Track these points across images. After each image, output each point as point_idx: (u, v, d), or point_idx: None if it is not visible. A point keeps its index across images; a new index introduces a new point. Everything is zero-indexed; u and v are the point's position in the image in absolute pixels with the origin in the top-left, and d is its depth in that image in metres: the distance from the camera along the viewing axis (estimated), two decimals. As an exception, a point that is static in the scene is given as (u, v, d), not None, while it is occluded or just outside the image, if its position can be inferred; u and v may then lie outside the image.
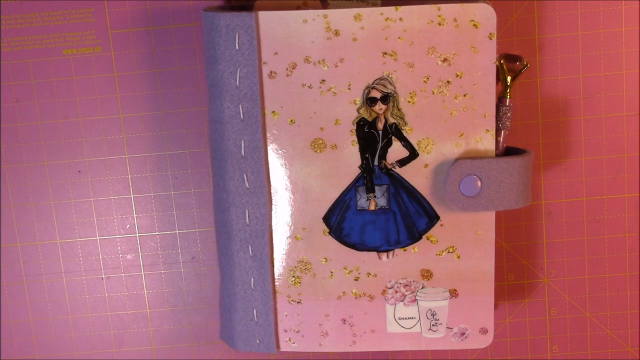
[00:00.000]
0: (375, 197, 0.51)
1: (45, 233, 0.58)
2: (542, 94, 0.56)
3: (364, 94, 0.50)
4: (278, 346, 0.54)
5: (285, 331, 0.53)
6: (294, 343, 0.54)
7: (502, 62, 0.51)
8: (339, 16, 0.48)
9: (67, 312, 0.59)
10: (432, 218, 0.51)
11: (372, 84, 0.49)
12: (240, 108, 0.50)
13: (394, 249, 0.52)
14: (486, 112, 0.50)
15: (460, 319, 0.53)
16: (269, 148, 0.50)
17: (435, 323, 0.53)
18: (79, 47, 0.55)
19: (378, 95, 0.50)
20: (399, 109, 0.50)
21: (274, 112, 0.50)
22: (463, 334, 0.53)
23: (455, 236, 0.52)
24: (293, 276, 0.52)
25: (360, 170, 0.51)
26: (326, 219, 0.51)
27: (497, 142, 0.51)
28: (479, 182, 0.50)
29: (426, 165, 0.51)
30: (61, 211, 0.57)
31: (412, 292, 0.53)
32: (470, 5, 0.48)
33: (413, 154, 0.50)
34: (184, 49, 0.55)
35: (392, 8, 0.48)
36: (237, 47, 0.49)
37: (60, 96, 0.56)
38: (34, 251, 0.58)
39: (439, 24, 0.48)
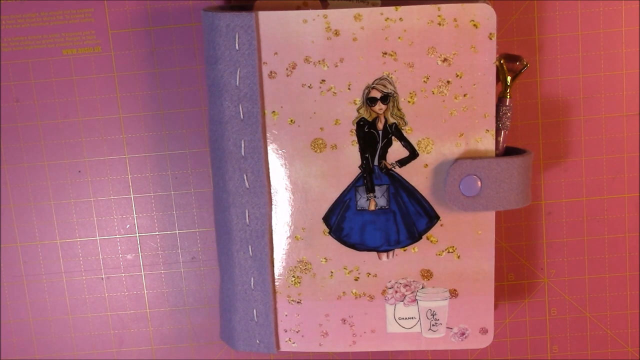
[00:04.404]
0: (375, 197, 0.51)
1: (45, 233, 0.58)
2: (542, 94, 0.56)
3: (364, 94, 0.50)
4: (278, 346, 0.54)
5: (285, 331, 0.53)
6: (294, 343, 0.54)
7: (502, 62, 0.51)
8: (339, 16, 0.48)
9: (67, 312, 0.59)
10: (432, 218, 0.51)
11: (372, 84, 0.49)
12: (240, 108, 0.50)
13: (394, 249, 0.52)
14: (486, 112, 0.50)
15: (460, 319, 0.53)
16: (269, 148, 0.50)
17: (435, 323, 0.53)
18: (79, 47, 0.55)
19: (378, 95, 0.50)
20: (399, 109, 0.50)
21: (274, 112, 0.50)
22: (463, 334, 0.53)
23: (455, 236, 0.52)
24: (293, 276, 0.52)
25: (360, 170, 0.51)
26: (326, 219, 0.51)
27: (497, 142, 0.51)
28: (479, 182, 0.50)
29: (426, 165, 0.51)
30: (61, 211, 0.57)
31: (412, 292, 0.53)
32: (470, 5, 0.48)
33: (413, 154, 0.50)
34: (184, 49, 0.55)
35: (392, 8, 0.48)
36: (237, 47, 0.49)
37: (60, 96, 0.56)
38: (34, 251, 0.58)
39: (439, 24, 0.48)
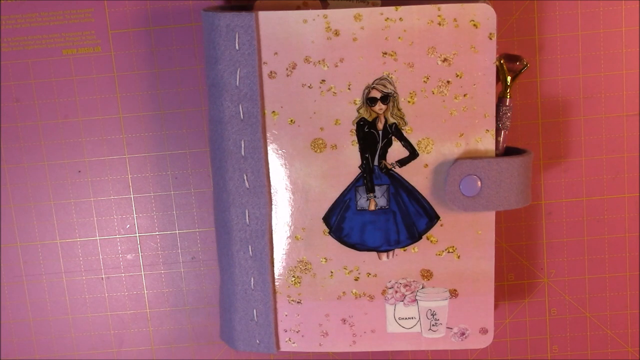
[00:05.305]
0: (375, 197, 0.51)
1: (45, 233, 0.58)
2: (542, 94, 0.56)
3: (364, 94, 0.50)
4: (278, 346, 0.54)
5: (285, 331, 0.53)
6: (294, 343, 0.54)
7: (502, 62, 0.51)
8: (339, 16, 0.48)
9: (67, 312, 0.59)
10: (432, 218, 0.51)
11: (372, 84, 0.49)
12: (240, 108, 0.50)
13: (394, 249, 0.52)
14: (486, 112, 0.50)
15: (460, 319, 0.53)
16: (269, 148, 0.50)
17: (435, 323, 0.53)
18: (79, 47, 0.55)
19: (378, 95, 0.50)
20: (399, 109, 0.50)
21: (274, 112, 0.50)
22: (463, 334, 0.53)
23: (455, 236, 0.52)
24: (293, 276, 0.52)
25: (360, 170, 0.51)
26: (326, 219, 0.51)
27: (497, 142, 0.51)
28: (479, 182, 0.50)
29: (426, 165, 0.51)
30: (61, 211, 0.57)
31: (412, 292, 0.53)
32: (470, 5, 0.48)
33: (413, 154, 0.50)
34: (184, 49, 0.55)
35: (392, 8, 0.48)
36: (237, 47, 0.49)
37: (60, 96, 0.56)
38: (34, 251, 0.58)
39: (439, 24, 0.48)
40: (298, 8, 0.51)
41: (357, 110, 0.50)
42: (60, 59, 0.55)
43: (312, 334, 0.53)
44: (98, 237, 0.58)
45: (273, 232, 0.52)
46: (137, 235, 0.58)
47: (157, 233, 0.58)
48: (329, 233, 0.52)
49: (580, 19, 0.54)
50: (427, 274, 0.52)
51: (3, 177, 0.57)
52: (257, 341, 0.53)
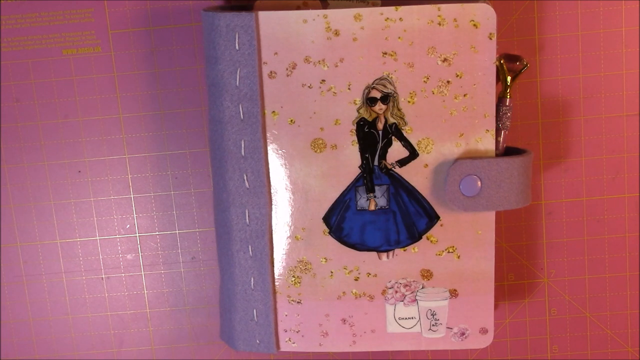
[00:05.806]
0: (375, 197, 0.51)
1: (45, 233, 0.58)
2: (542, 94, 0.56)
3: (364, 94, 0.50)
4: (278, 346, 0.54)
5: (285, 331, 0.53)
6: (294, 343, 0.54)
7: (502, 62, 0.51)
8: (339, 16, 0.48)
9: (67, 312, 0.59)
10: (432, 218, 0.51)
11: (372, 84, 0.49)
12: (240, 108, 0.50)
13: (394, 249, 0.52)
14: (486, 112, 0.50)
15: (460, 319, 0.53)
16: (269, 148, 0.50)
17: (435, 323, 0.53)
18: (79, 47, 0.55)
19: (378, 95, 0.50)
20: (399, 109, 0.50)
21: (274, 112, 0.50)
22: (463, 334, 0.53)
23: (455, 236, 0.52)
24: (293, 276, 0.52)
25: (360, 170, 0.51)
26: (326, 219, 0.51)
27: (497, 142, 0.51)
28: (479, 182, 0.50)
29: (426, 165, 0.51)
30: (61, 211, 0.57)
31: (412, 292, 0.53)
32: (470, 5, 0.48)
33: (413, 154, 0.50)
34: (184, 49, 0.55)
35: (392, 8, 0.48)
36: (237, 47, 0.49)
37: (60, 96, 0.56)
38: (34, 251, 0.58)
39: (439, 24, 0.48)
40: (298, 8, 0.51)
41: (357, 110, 0.50)
42: (60, 59, 0.55)
43: (312, 334, 0.53)
44: (98, 237, 0.58)
45: (273, 232, 0.52)
46: (137, 235, 0.58)
47: (157, 233, 0.58)
48: (329, 233, 0.52)
49: (580, 19, 0.55)
50: (427, 274, 0.52)
51: (3, 177, 0.57)
52: (257, 341, 0.53)
